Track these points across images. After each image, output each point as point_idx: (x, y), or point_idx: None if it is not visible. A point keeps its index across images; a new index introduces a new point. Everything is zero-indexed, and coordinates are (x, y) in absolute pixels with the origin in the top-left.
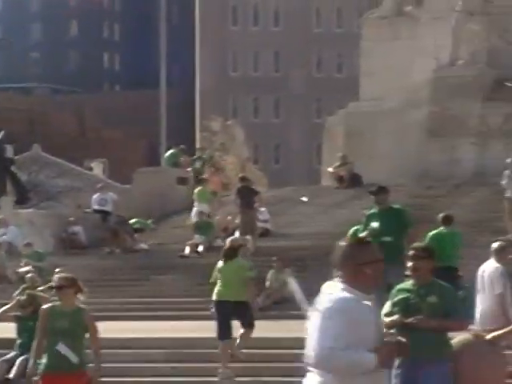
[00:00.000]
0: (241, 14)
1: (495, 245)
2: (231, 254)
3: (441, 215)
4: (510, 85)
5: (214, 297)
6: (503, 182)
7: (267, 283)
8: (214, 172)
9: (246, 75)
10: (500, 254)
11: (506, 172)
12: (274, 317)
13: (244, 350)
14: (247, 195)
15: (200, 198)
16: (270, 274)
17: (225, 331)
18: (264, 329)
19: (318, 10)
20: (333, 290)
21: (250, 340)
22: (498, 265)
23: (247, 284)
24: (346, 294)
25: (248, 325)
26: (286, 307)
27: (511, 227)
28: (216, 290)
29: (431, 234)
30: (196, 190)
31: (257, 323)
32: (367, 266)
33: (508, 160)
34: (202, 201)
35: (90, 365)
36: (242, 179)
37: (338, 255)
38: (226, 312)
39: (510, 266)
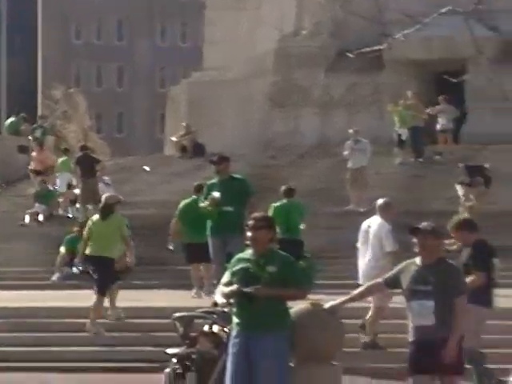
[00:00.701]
0: None
1: (380, 201)
2: (106, 211)
3: (283, 187)
4: (351, 55)
5: (87, 251)
6: (345, 153)
7: None
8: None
9: (88, 43)
10: (385, 211)
11: (348, 142)
12: (125, 286)
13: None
14: (88, 164)
15: (63, 167)
16: None
17: (101, 284)
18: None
19: None
20: None
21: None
22: (383, 222)
23: (125, 241)
24: None
25: (99, 290)
26: (132, 277)
27: (353, 197)
28: (89, 246)
29: (274, 205)
30: (60, 160)
31: None
32: None
33: (350, 130)
34: (66, 170)
35: None
36: (82, 148)
37: None
38: (96, 267)
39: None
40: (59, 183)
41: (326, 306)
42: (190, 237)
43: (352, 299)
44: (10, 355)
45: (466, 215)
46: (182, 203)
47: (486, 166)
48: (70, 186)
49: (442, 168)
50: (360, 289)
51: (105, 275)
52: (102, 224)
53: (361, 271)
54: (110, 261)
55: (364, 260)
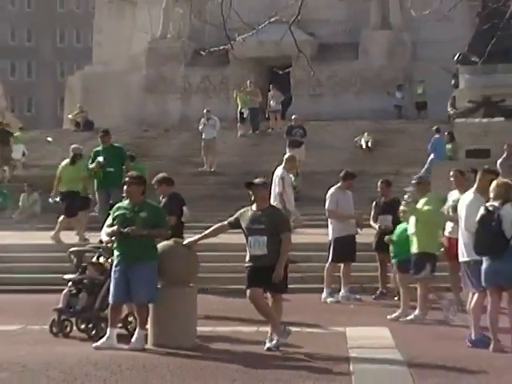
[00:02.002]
0: None
1: (287, 155)
2: (75, 158)
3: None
4: (203, 53)
5: (62, 189)
6: (200, 127)
7: (20, 204)
8: None
9: (4, 44)
10: (287, 164)
11: (203, 119)
12: (32, 228)
13: None
14: (4, 136)
15: (18, 140)
16: (23, 196)
17: (69, 211)
18: (20, 237)
19: None
20: None
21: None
22: (282, 170)
23: (84, 180)
24: None
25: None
26: (37, 221)
27: (206, 160)
28: (62, 184)
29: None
30: (16, 134)
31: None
32: None
33: (204, 110)
34: (20, 142)
35: None
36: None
37: None
38: (69, 199)
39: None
40: (14, 152)
41: (185, 242)
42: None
43: (203, 237)
44: None
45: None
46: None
47: (299, 123)
48: (24, 154)
49: (273, 139)
50: (209, 229)
51: (73, 203)
52: (71, 167)
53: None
54: (76, 194)
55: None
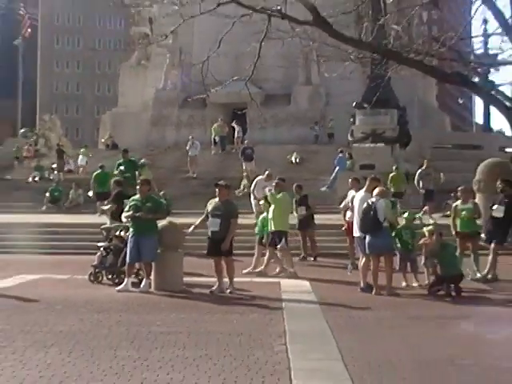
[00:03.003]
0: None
1: (268, 171)
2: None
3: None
4: (189, 100)
5: (99, 190)
6: (187, 148)
7: (70, 196)
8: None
9: (62, 93)
10: (267, 176)
11: (189, 142)
12: (77, 212)
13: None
14: (61, 153)
15: (84, 153)
16: (72, 191)
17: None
18: (69, 218)
19: (99, 63)
20: None
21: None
22: (260, 178)
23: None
24: None
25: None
26: (81, 208)
27: (191, 169)
28: (98, 186)
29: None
30: (81, 150)
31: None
32: None
33: (190, 137)
34: (85, 155)
35: None
36: (58, 145)
37: None
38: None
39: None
40: (80, 161)
41: (189, 230)
42: (97, 189)
43: (196, 227)
44: None
45: (244, 181)
46: (95, 173)
47: (250, 145)
48: (86, 163)
49: (234, 156)
50: (198, 221)
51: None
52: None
53: (254, 206)
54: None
55: (254, 200)
